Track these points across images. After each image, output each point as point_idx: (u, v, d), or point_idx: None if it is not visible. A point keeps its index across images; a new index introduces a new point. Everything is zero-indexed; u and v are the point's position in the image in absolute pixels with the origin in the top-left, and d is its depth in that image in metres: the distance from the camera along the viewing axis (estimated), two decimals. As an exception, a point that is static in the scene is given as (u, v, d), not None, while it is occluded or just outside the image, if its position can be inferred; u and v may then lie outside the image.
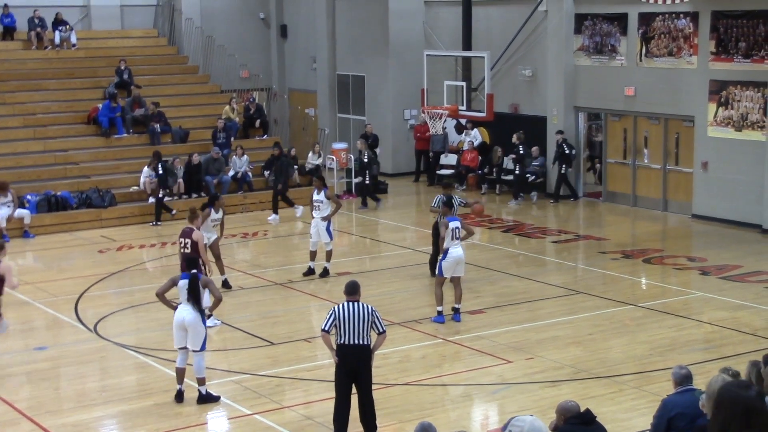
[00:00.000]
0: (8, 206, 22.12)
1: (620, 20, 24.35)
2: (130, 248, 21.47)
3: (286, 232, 23.18)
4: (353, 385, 11.04)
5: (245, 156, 26.06)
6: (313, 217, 18.43)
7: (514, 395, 12.52)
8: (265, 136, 28.90)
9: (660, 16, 23.44)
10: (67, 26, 29.63)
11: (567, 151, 25.08)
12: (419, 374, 13.35)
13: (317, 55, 32.05)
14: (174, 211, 23.85)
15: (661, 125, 24.01)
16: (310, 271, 18.54)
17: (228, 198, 25.08)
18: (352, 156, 27.53)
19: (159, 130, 26.92)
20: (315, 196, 18.39)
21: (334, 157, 27.72)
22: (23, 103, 27.08)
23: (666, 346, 14.30)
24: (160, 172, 24.18)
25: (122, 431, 12.05)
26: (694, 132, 23.02)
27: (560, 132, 25.35)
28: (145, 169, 24.57)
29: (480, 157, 26.91)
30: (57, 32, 29.39)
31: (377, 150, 28.21)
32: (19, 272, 19.44)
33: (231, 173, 25.84)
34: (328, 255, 18.43)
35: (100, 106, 26.94)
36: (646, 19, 23.77)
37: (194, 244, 15.34)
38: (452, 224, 15.49)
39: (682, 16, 22.99)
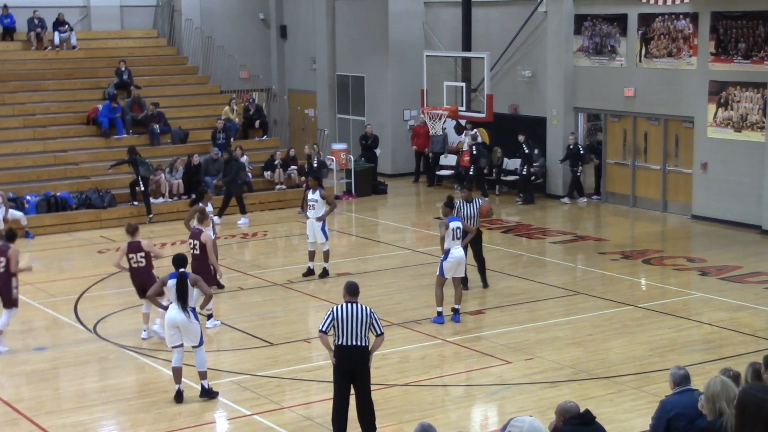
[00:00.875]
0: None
1: (620, 21, 24.36)
2: (129, 249, 21.43)
3: (286, 233, 23.19)
4: (351, 386, 11.04)
5: (245, 156, 26.05)
6: (308, 217, 18.43)
7: (514, 396, 12.53)
8: (264, 137, 28.91)
9: (660, 17, 23.44)
10: (68, 27, 29.61)
11: (581, 152, 25.08)
12: (419, 375, 13.35)
13: (317, 55, 32.06)
14: (151, 215, 23.82)
15: (661, 126, 24.01)
16: (309, 272, 18.54)
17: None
18: (351, 157, 27.54)
19: (159, 130, 26.92)
20: (310, 196, 18.39)
21: (333, 158, 27.72)
22: (23, 104, 27.08)
23: (665, 346, 14.31)
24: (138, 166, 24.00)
25: (122, 432, 12.07)
26: (694, 133, 23.02)
27: (573, 133, 25.40)
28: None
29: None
30: (57, 33, 29.39)
31: (377, 151, 28.21)
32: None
33: (231, 174, 25.83)
34: (326, 255, 18.43)
35: (99, 106, 26.94)
36: (645, 19, 23.78)
37: (203, 246, 15.34)
38: (453, 224, 15.48)
39: (681, 16, 23.00)
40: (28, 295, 17.56)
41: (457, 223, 15.55)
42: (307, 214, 18.45)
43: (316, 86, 32.26)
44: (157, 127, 26.90)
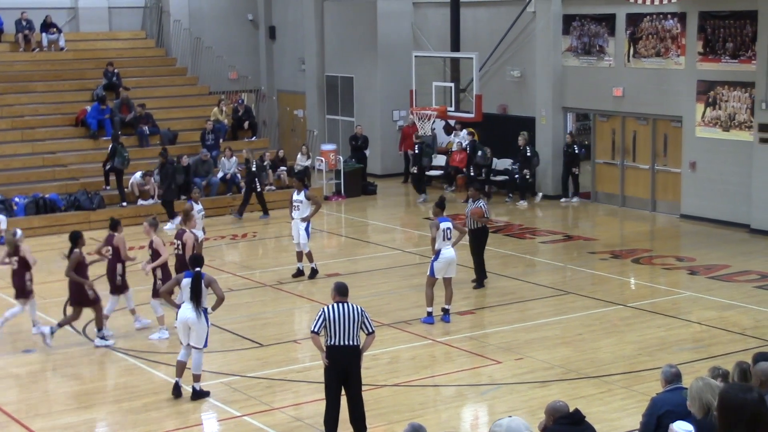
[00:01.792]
0: None
1: (608, 21, 24.41)
2: (118, 250, 21.39)
3: (275, 234, 23.16)
4: (343, 387, 11.04)
5: (234, 158, 26.03)
6: (293, 218, 18.43)
7: (504, 396, 12.54)
8: (253, 138, 28.89)
9: (648, 17, 23.50)
10: (55, 29, 29.53)
11: (577, 152, 25.12)
12: (409, 375, 13.35)
13: (306, 56, 32.05)
14: (125, 203, 24.15)
15: (649, 125, 24.07)
16: (299, 273, 18.54)
17: (217, 200, 25.11)
18: (341, 157, 27.54)
19: (147, 132, 26.87)
20: (295, 197, 18.41)
21: (322, 159, 27.71)
22: (11, 105, 27.01)
23: (655, 346, 14.34)
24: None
25: (111, 434, 12.04)
26: (682, 132, 23.08)
27: (570, 133, 25.44)
28: (137, 174, 24.57)
29: (469, 158, 26.89)
30: (45, 35, 29.32)
31: (366, 152, 28.21)
32: (6, 275, 19.33)
33: (219, 175, 25.83)
34: (309, 256, 18.41)
35: (88, 108, 26.87)
36: (633, 19, 23.83)
37: (185, 246, 15.35)
38: (443, 225, 15.49)
39: (669, 16, 23.06)
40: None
41: (448, 224, 15.56)
42: (292, 215, 18.46)
43: (305, 87, 32.24)
44: (146, 128, 26.85)
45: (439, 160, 28.20)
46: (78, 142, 26.50)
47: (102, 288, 15.57)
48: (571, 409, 7.98)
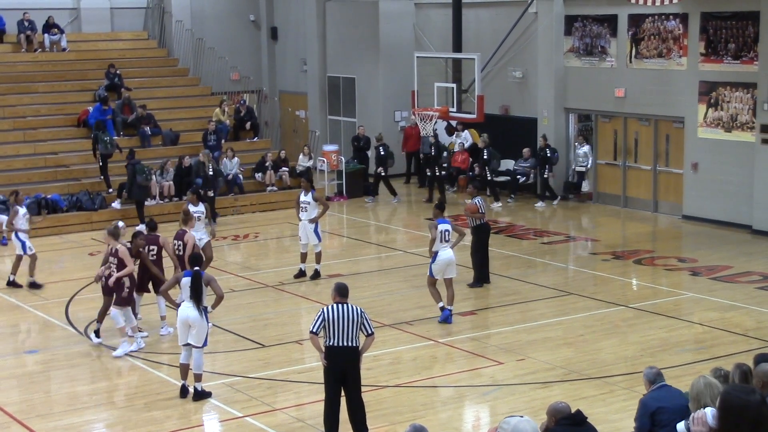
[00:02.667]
0: None
1: (610, 22, 24.40)
2: (120, 251, 21.40)
3: (277, 234, 23.17)
4: (342, 387, 11.04)
5: (236, 158, 26.04)
6: (300, 219, 18.42)
7: (506, 396, 12.54)
8: (255, 139, 28.91)
9: (650, 18, 23.49)
10: (57, 30, 29.53)
11: (549, 155, 25.11)
12: (410, 376, 13.35)
13: (308, 57, 32.05)
14: (111, 190, 24.28)
15: (651, 126, 24.06)
16: (300, 273, 18.53)
17: (219, 200, 25.09)
18: (342, 158, 27.53)
19: (149, 132, 26.88)
20: (302, 198, 18.39)
21: (324, 159, 27.71)
22: (13, 106, 27.02)
23: (657, 346, 14.33)
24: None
25: (113, 434, 12.05)
26: (684, 133, 23.07)
27: (543, 137, 25.43)
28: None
29: (471, 159, 26.91)
30: (47, 35, 29.33)
31: (368, 153, 28.20)
32: (9, 275, 19.38)
33: (222, 176, 25.83)
34: (318, 257, 18.43)
35: (90, 108, 26.87)
36: (635, 20, 23.82)
37: (185, 247, 15.36)
38: (441, 227, 15.51)
39: (671, 17, 23.05)
40: (18, 298, 17.54)
41: (446, 226, 15.57)
42: (300, 216, 18.44)
43: (307, 88, 32.25)
44: (147, 129, 26.86)
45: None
46: (80, 142, 26.49)
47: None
48: (573, 410, 7.99)
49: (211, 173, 23.76)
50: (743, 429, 5.80)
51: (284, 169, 26.73)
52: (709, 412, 7.05)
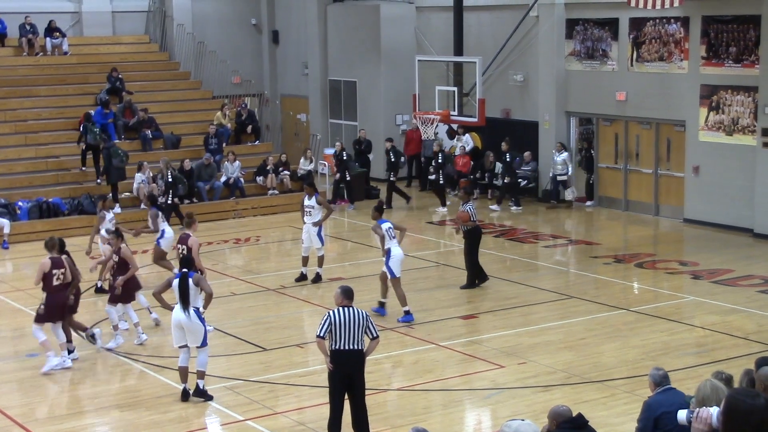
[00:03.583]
0: None
1: (611, 25, 24.41)
2: (122, 254, 21.42)
3: (278, 238, 23.17)
4: (347, 391, 11.03)
5: (237, 162, 26.07)
6: (305, 222, 18.46)
7: (507, 400, 12.53)
8: (257, 142, 28.92)
9: (651, 21, 23.50)
10: (59, 33, 29.56)
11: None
12: (412, 379, 13.34)
13: (309, 60, 32.08)
14: (100, 180, 24.54)
15: (653, 130, 24.06)
16: (302, 277, 18.54)
17: (220, 204, 25.13)
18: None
19: (150, 136, 26.90)
20: (306, 202, 18.43)
21: (326, 163, 27.72)
22: (14, 110, 27.05)
23: (658, 350, 14.33)
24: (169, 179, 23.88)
25: (114, 438, 12.04)
26: (686, 136, 23.08)
27: (506, 141, 25.54)
28: (137, 175, 24.56)
29: (472, 163, 26.93)
30: (48, 39, 29.36)
31: (370, 156, 28.21)
32: (10, 279, 19.42)
33: (223, 179, 25.85)
34: (320, 260, 18.45)
35: (92, 112, 26.89)
36: (637, 24, 23.83)
37: (190, 250, 15.37)
38: (384, 225, 16.12)
39: (672, 21, 23.06)
40: (19, 302, 17.54)
41: (388, 224, 16.28)
42: (304, 219, 18.49)
43: (309, 91, 32.27)
44: (149, 132, 26.88)
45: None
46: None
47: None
48: (574, 414, 7.98)
49: (170, 179, 23.58)
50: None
51: (285, 172, 26.75)
52: (715, 413, 7.03)
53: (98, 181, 24.75)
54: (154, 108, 28.01)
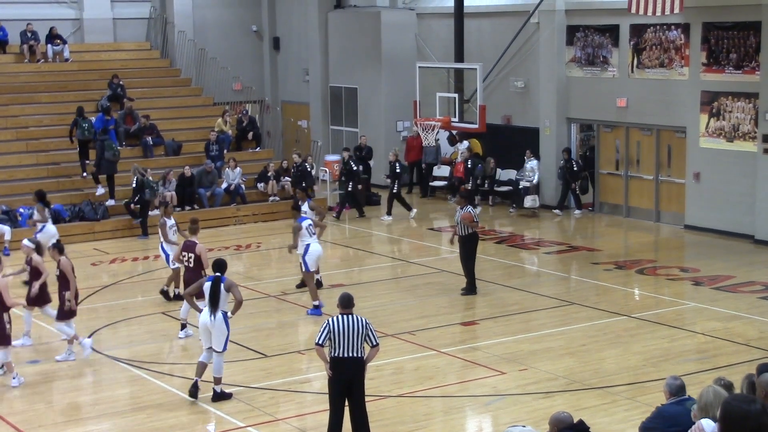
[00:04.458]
0: None
1: (612, 32, 24.43)
2: (123, 261, 21.45)
3: (279, 244, 23.16)
4: (347, 398, 11.03)
5: (238, 168, 26.08)
6: None
7: (508, 407, 12.52)
8: (258, 149, 28.94)
9: (651, 28, 23.52)
10: (60, 41, 29.59)
11: (398, 170, 25.57)
12: (413, 386, 13.34)
13: (310, 67, 32.11)
14: (85, 174, 24.77)
15: (653, 136, 24.07)
16: (303, 284, 18.51)
17: (221, 210, 25.14)
18: (342, 165, 27.51)
19: (152, 142, 26.92)
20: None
21: (326, 169, 27.72)
22: (16, 116, 27.07)
23: (659, 356, 14.32)
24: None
25: (115, 444, 12.04)
26: (686, 143, 23.08)
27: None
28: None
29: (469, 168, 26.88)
30: (50, 46, 29.39)
31: (371, 162, 28.21)
32: (11, 286, 19.36)
33: (224, 186, 25.86)
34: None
35: (93, 119, 26.90)
36: (637, 30, 23.86)
37: (197, 258, 15.40)
38: (304, 224, 16.88)
39: (673, 27, 23.08)
40: (20, 308, 17.49)
41: (308, 221, 16.97)
42: None
43: (309, 98, 32.30)
44: (149, 139, 26.90)
45: (443, 170, 28.21)
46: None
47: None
48: (576, 420, 7.98)
49: (134, 185, 23.65)
50: None
51: (286, 179, 26.74)
52: (705, 424, 7.06)
53: (84, 174, 25.00)
54: (155, 115, 28.02)
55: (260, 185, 26.58)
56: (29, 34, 29.24)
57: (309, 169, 26.03)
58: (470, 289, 17.79)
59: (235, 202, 25.78)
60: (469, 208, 17.77)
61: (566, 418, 7.91)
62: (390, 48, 29.43)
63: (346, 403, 11.04)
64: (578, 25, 25.25)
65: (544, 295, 17.81)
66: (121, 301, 18.24)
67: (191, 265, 15.48)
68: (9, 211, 23.24)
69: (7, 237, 22.13)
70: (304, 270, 17.01)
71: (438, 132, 25.79)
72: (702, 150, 22.67)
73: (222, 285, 12.73)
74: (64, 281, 14.66)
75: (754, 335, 15.29)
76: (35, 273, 15.06)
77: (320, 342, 10.84)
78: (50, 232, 18.91)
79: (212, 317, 12.64)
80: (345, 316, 10.89)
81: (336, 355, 10.83)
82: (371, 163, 28.23)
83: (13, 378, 13.65)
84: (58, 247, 15.02)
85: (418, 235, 23.69)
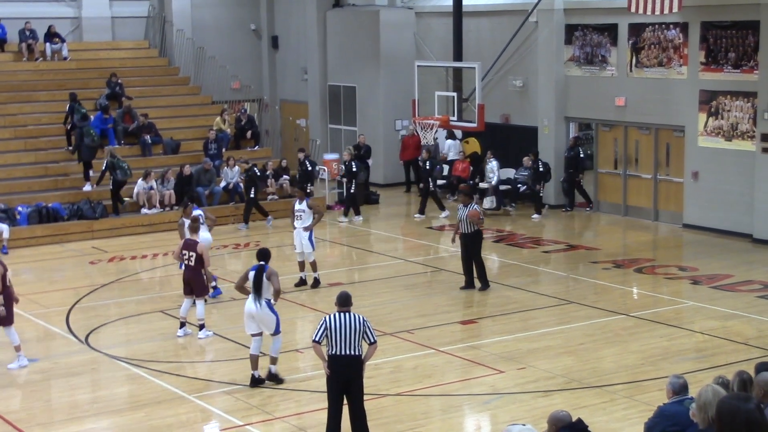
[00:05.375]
0: None
1: (610, 31, 24.43)
2: (121, 259, 21.45)
3: (277, 243, 23.15)
4: (345, 396, 11.03)
5: (236, 167, 26.06)
6: (295, 227, 18.45)
7: (507, 405, 12.52)
8: (256, 147, 28.93)
9: (650, 27, 23.52)
10: (59, 39, 29.58)
11: (429, 167, 25.28)
12: (411, 385, 13.34)
13: (308, 65, 32.10)
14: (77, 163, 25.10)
15: (652, 135, 24.08)
16: (301, 282, 18.54)
17: (219, 209, 25.11)
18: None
19: (150, 141, 26.91)
20: (297, 206, 18.46)
21: (325, 168, 27.72)
22: (14, 115, 27.06)
23: (658, 355, 14.33)
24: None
25: (114, 443, 12.04)
26: (685, 142, 23.09)
27: (427, 149, 25.55)
28: (140, 181, 24.59)
29: (471, 168, 26.94)
30: (48, 44, 29.38)
31: (369, 161, 28.22)
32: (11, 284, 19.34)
33: (222, 184, 25.85)
34: (313, 265, 18.44)
35: (91, 117, 26.90)
36: (636, 29, 23.86)
37: (199, 257, 15.41)
38: (195, 213, 17.16)
39: (671, 26, 23.08)
40: (19, 307, 17.49)
41: (198, 211, 17.44)
42: (294, 224, 18.50)
43: (308, 96, 32.29)
44: (148, 137, 26.89)
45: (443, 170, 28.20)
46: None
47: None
48: (574, 419, 7.98)
49: (104, 167, 24.41)
50: None
51: (285, 177, 26.73)
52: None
53: (69, 147, 25.77)
54: (153, 113, 28.02)
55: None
56: (28, 33, 29.22)
57: (310, 168, 26.04)
58: (484, 283, 17.81)
59: (233, 201, 25.76)
60: (475, 205, 17.80)
61: (565, 417, 7.91)
62: (389, 47, 29.43)
63: (345, 401, 11.05)
64: (577, 24, 25.25)
65: (543, 294, 17.81)
66: (119, 300, 18.24)
67: (192, 263, 15.47)
68: (7, 210, 23.22)
69: (6, 235, 22.13)
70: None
71: (436, 131, 25.77)
72: (700, 149, 22.68)
73: (264, 273, 13.18)
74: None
75: (752, 334, 15.30)
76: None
77: (317, 339, 10.86)
78: None
79: (257, 304, 13.13)
80: (342, 314, 10.90)
81: (333, 353, 10.83)
82: (370, 161, 28.24)
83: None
84: None
85: (416, 234, 23.69)
